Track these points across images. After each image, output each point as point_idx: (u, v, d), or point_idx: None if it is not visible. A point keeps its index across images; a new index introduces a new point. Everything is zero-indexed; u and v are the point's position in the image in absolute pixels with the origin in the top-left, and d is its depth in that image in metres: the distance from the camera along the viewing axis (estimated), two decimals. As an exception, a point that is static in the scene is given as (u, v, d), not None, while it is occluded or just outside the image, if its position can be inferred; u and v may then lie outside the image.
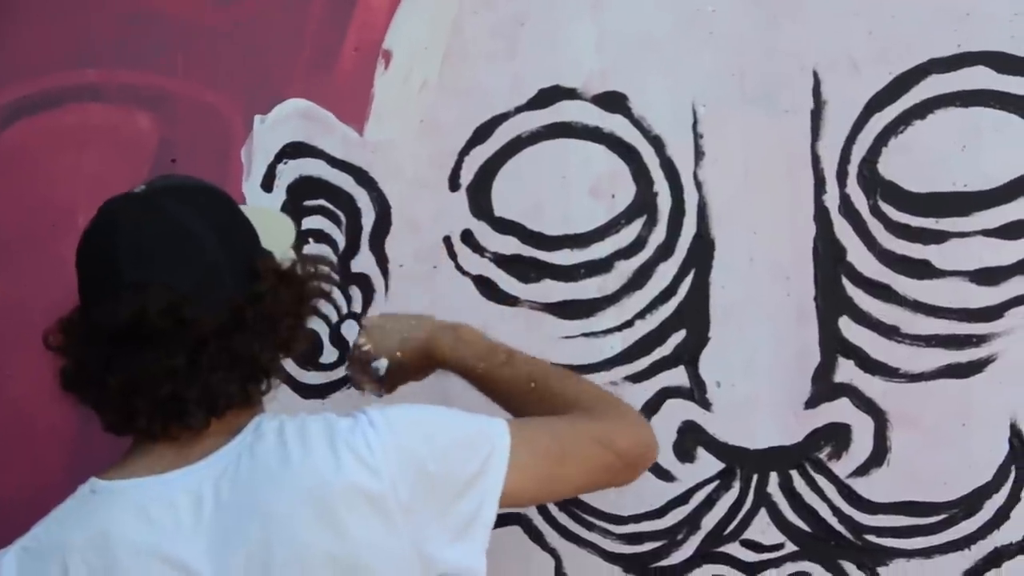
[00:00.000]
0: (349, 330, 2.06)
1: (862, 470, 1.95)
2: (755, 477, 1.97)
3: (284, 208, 2.08)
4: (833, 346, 1.94)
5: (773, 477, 1.96)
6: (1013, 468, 1.91)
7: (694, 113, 1.99)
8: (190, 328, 1.44)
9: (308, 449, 1.44)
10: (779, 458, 1.96)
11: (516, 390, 1.71)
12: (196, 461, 1.47)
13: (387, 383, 1.80)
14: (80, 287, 1.52)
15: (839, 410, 1.95)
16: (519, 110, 2.03)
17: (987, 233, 1.91)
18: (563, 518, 2.02)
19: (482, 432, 1.53)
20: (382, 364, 1.77)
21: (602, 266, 2.00)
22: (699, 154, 1.98)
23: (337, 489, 1.41)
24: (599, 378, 1.99)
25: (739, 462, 1.97)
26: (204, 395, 1.46)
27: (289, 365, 2.03)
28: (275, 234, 1.64)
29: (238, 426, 1.50)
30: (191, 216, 1.49)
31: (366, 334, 1.79)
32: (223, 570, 1.40)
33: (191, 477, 1.46)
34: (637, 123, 2.00)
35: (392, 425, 1.47)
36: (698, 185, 1.98)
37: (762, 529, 1.97)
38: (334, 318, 2.07)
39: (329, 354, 2.07)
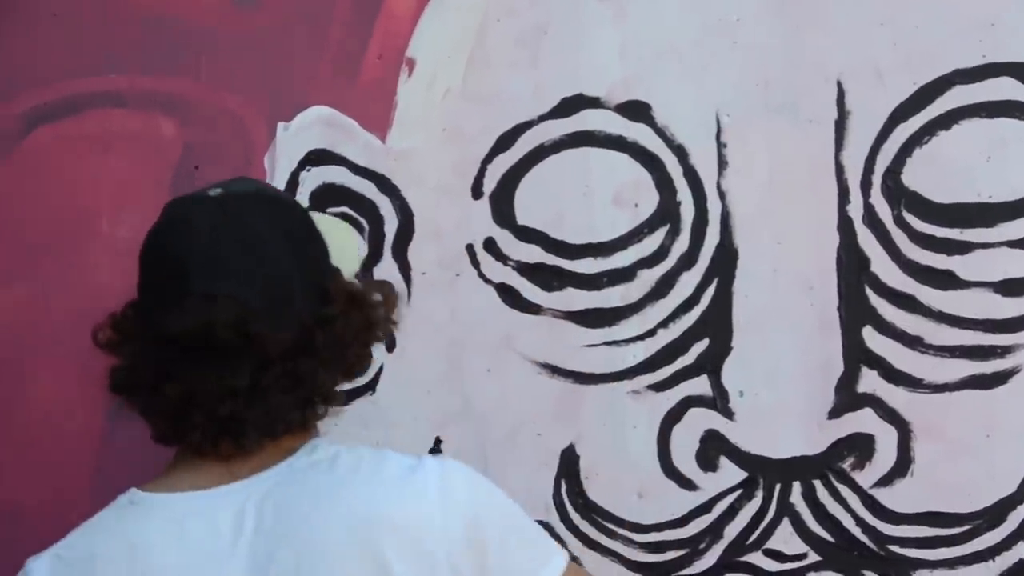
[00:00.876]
0: (371, 338, 2.06)
1: (885, 480, 1.94)
2: (778, 487, 1.96)
3: (307, 215, 2.07)
4: (857, 356, 1.94)
5: (796, 487, 1.96)
6: (1037, 480, 1.91)
7: (718, 122, 1.99)
8: (257, 346, 1.39)
9: (361, 481, 1.39)
10: (802, 468, 1.96)
11: None
12: (243, 479, 1.42)
13: None
14: (142, 286, 1.47)
15: (862, 420, 1.94)
16: (542, 118, 2.03)
17: (1012, 244, 1.91)
18: (585, 526, 2.02)
19: (546, 543, 1.49)
20: None
21: (625, 275, 2.00)
22: (723, 163, 1.98)
23: (387, 527, 1.36)
24: (621, 387, 2.00)
25: (762, 472, 1.97)
26: (263, 417, 1.41)
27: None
28: (343, 249, 1.60)
29: (291, 448, 1.45)
30: (267, 227, 1.45)
31: None
32: None
33: (235, 496, 1.41)
34: (660, 132, 2.00)
35: (459, 486, 1.41)
36: (721, 195, 1.98)
37: (785, 539, 1.97)
38: (357, 325, 2.06)
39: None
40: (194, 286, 1.39)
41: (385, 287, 1.61)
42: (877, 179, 1.94)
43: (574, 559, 1.52)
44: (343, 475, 1.40)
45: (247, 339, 1.38)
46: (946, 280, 1.92)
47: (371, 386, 2.04)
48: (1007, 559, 1.92)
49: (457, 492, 1.40)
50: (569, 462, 2.02)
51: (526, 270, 2.03)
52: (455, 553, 1.37)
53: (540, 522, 1.95)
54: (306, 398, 1.45)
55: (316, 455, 1.44)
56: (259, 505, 1.39)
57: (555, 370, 2.02)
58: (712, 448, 1.99)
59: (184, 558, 1.38)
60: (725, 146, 1.98)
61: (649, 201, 2.00)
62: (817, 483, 1.95)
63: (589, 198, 2.02)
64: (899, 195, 1.94)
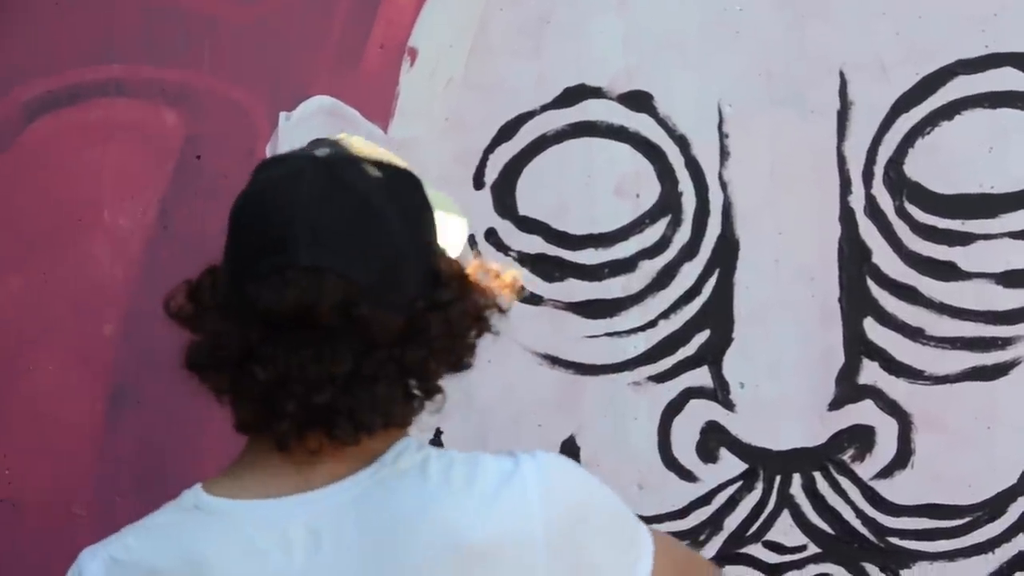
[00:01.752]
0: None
1: (886, 472, 1.94)
2: (778, 478, 1.96)
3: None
4: (857, 348, 1.94)
5: (796, 479, 1.96)
6: (1038, 472, 1.91)
7: (720, 113, 1.98)
8: (362, 329, 1.22)
9: (452, 491, 1.23)
10: (802, 459, 1.96)
11: None
12: (320, 487, 1.25)
13: None
14: (232, 254, 1.28)
15: (863, 412, 1.94)
16: (544, 108, 2.03)
17: (1013, 235, 1.91)
18: (585, 517, 2.02)
19: (637, 533, 1.34)
20: None
21: (626, 265, 2.00)
22: (724, 154, 1.98)
23: (479, 546, 1.21)
24: (622, 378, 2.00)
25: (762, 463, 1.97)
26: (362, 409, 1.23)
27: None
28: (450, 229, 1.40)
29: (375, 451, 1.26)
30: (381, 197, 1.27)
31: None
32: None
33: (312, 507, 1.24)
34: (662, 122, 2.00)
35: (559, 490, 1.26)
36: (723, 185, 1.98)
37: (785, 531, 1.97)
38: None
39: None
40: (298, 257, 1.22)
41: (497, 270, 1.38)
42: (879, 170, 1.94)
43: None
44: (433, 489, 1.24)
45: (355, 322, 1.21)
46: (947, 271, 1.92)
47: (372, 377, 2.04)
48: (1007, 551, 1.92)
49: (558, 494, 1.25)
50: (570, 453, 2.02)
51: (527, 261, 2.03)
52: (553, 561, 1.23)
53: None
54: (409, 390, 1.28)
55: (402, 462, 1.26)
56: (338, 521, 1.24)
57: (556, 361, 2.02)
58: (712, 440, 1.99)
59: None
60: (727, 136, 1.98)
61: (651, 191, 2.00)
62: (817, 475, 1.96)
63: (591, 188, 2.02)
64: (901, 186, 1.93)
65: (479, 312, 1.33)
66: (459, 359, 1.33)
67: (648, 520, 1.95)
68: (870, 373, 1.94)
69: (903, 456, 1.94)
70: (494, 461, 1.26)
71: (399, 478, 1.25)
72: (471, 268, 1.35)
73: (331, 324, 1.21)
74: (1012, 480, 1.92)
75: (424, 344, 1.26)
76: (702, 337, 1.99)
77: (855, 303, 1.94)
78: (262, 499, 1.25)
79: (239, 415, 1.27)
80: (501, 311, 1.37)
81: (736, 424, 1.98)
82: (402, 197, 1.30)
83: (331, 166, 1.27)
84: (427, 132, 2.06)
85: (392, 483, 1.24)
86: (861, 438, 1.95)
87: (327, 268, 1.21)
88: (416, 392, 1.28)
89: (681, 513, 2.00)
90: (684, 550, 1.56)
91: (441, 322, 1.27)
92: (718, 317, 1.98)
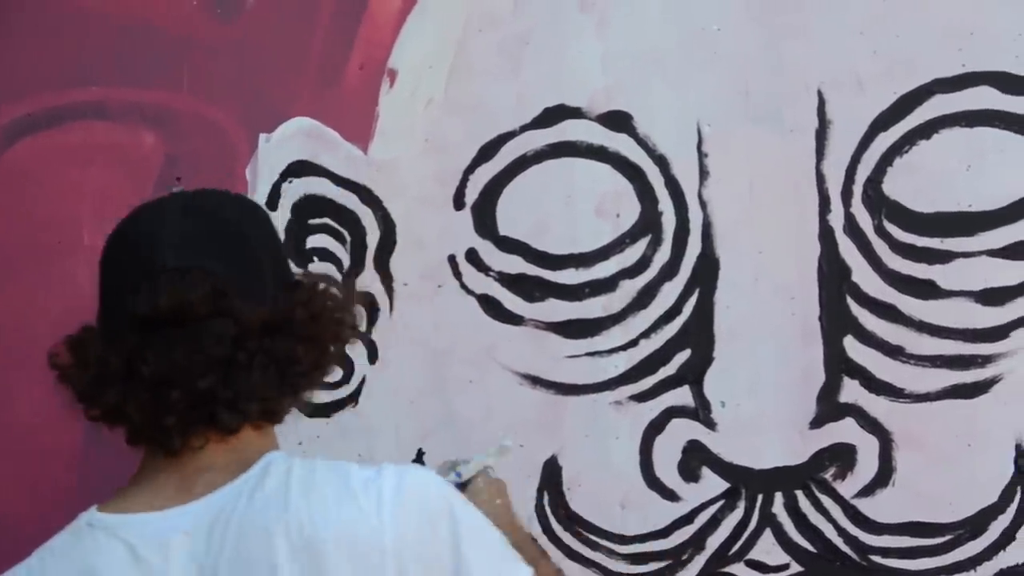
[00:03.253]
0: (354, 349, 2.05)
1: (867, 490, 1.94)
2: (760, 497, 1.96)
3: (289, 226, 2.08)
4: (838, 366, 1.94)
5: (778, 497, 1.96)
6: (1019, 489, 1.91)
7: (699, 132, 1.99)
8: (233, 319, 1.36)
9: (310, 498, 1.34)
10: (784, 478, 1.96)
11: None
12: (198, 498, 1.37)
13: None
14: (109, 282, 1.42)
15: (844, 430, 1.94)
16: (524, 129, 2.04)
17: (992, 253, 1.91)
18: (567, 537, 2.02)
19: (507, 556, 1.41)
20: (466, 470, 1.64)
21: (607, 285, 2.00)
22: (704, 173, 1.98)
23: (330, 543, 1.31)
24: (603, 397, 2.00)
25: (744, 482, 1.97)
26: (240, 395, 1.36)
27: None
28: None
29: (248, 461, 1.39)
30: (234, 212, 1.46)
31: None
32: None
33: (187, 517, 1.37)
34: (642, 142, 2.00)
35: (414, 498, 1.35)
36: (703, 204, 1.98)
37: (767, 549, 1.97)
38: (338, 337, 2.06)
39: (334, 373, 2.05)
40: (166, 262, 1.36)
41: (351, 287, 1.63)
42: (858, 188, 1.95)
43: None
44: (292, 493, 1.35)
45: (223, 312, 1.35)
46: (927, 289, 1.92)
47: (354, 397, 2.05)
48: (989, 569, 1.91)
49: (411, 504, 1.34)
50: (552, 473, 2.02)
51: (508, 281, 2.03)
52: (404, 562, 1.31)
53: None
54: (281, 379, 1.40)
55: (270, 471, 1.38)
56: (210, 530, 1.35)
57: (537, 381, 2.02)
58: (694, 459, 1.99)
59: None
60: (706, 156, 1.99)
61: (631, 211, 2.01)
62: (799, 493, 1.96)
63: (571, 208, 2.02)
64: (880, 204, 1.94)
65: (336, 311, 1.47)
66: (324, 351, 1.45)
67: (631, 540, 1.98)
68: (851, 391, 1.94)
69: (884, 474, 1.94)
70: (357, 468, 1.37)
71: (263, 487, 1.35)
72: (322, 279, 1.50)
73: (204, 316, 1.34)
74: (993, 498, 1.92)
75: (290, 334, 1.39)
76: (683, 356, 1.99)
77: (835, 321, 1.94)
78: (147, 512, 1.37)
79: (131, 423, 1.38)
80: (353, 315, 1.51)
81: (718, 443, 1.98)
82: (254, 216, 1.48)
83: (185, 196, 1.49)
84: (407, 152, 2.06)
85: (257, 492, 1.35)
86: (842, 456, 1.95)
87: (194, 267, 1.36)
88: (290, 381, 1.40)
89: (663, 532, 2.00)
90: None
91: (303, 314, 1.41)
92: (699, 336, 1.98)
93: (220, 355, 1.35)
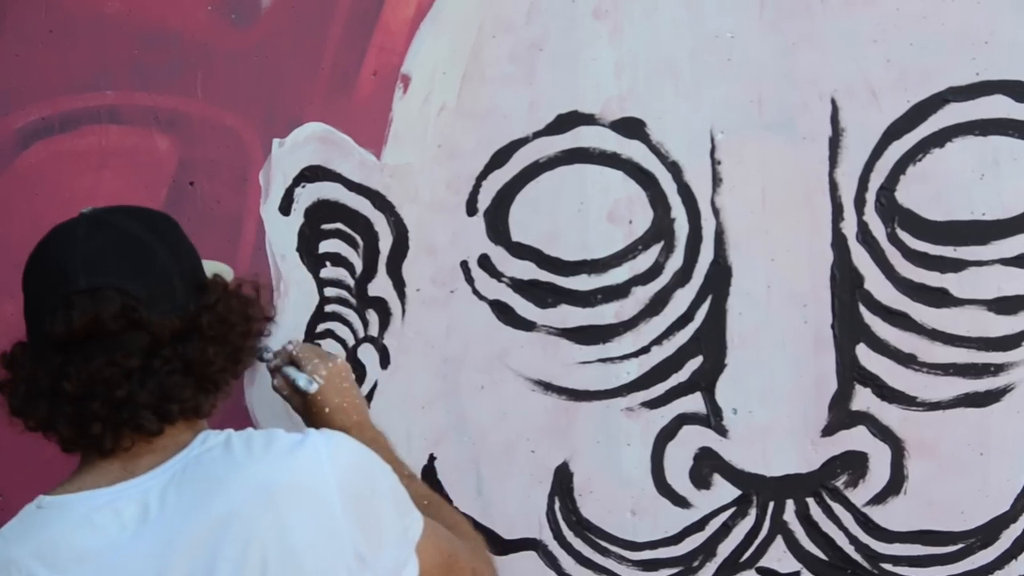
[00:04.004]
0: (366, 353, 2.06)
1: (879, 498, 1.94)
2: (771, 505, 1.96)
3: (301, 231, 2.08)
4: (850, 374, 1.94)
5: (789, 505, 1.96)
6: (1031, 498, 1.91)
7: (712, 139, 1.99)
8: (145, 331, 1.48)
9: (253, 454, 1.47)
10: (796, 486, 1.96)
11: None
12: (143, 473, 1.50)
13: (297, 403, 1.84)
14: (30, 305, 1.55)
15: (856, 438, 1.94)
16: (537, 135, 2.03)
17: (1005, 262, 1.91)
18: (578, 543, 2.02)
19: (409, 508, 1.59)
20: (311, 388, 1.81)
21: (619, 292, 2.00)
22: (717, 180, 1.98)
23: (284, 490, 1.44)
24: (615, 403, 2.00)
25: (755, 489, 1.97)
26: (159, 399, 1.49)
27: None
28: (216, 268, 1.71)
29: (184, 441, 1.53)
30: (141, 228, 1.56)
31: (327, 369, 1.83)
32: (166, 570, 1.43)
33: (137, 488, 1.48)
34: (655, 149, 2.00)
35: (343, 452, 1.51)
36: (715, 211, 1.98)
37: (778, 557, 1.97)
38: (351, 341, 2.07)
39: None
40: (78, 283, 1.48)
41: (255, 280, 1.70)
42: (871, 196, 1.94)
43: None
44: (237, 454, 1.48)
45: (135, 326, 1.47)
46: (940, 298, 1.92)
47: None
48: (1000, 578, 1.92)
49: (343, 457, 1.49)
50: (563, 479, 2.02)
51: (520, 287, 2.03)
52: (346, 508, 1.46)
53: (531, 539, 1.98)
54: (197, 380, 1.53)
55: (208, 442, 1.52)
56: (162, 493, 1.47)
57: (549, 387, 2.02)
58: (706, 466, 1.98)
59: (97, 544, 1.44)
60: (719, 163, 1.99)
61: (643, 218, 2.01)
62: (811, 501, 1.95)
63: (583, 215, 2.02)
64: (893, 212, 1.94)
65: (244, 309, 1.62)
66: (236, 350, 1.59)
67: (642, 546, 1.99)
68: (863, 399, 1.94)
69: (896, 482, 1.94)
70: (286, 434, 1.51)
71: (207, 453, 1.50)
72: (233, 281, 1.65)
73: (118, 332, 1.46)
74: (1005, 507, 1.92)
75: (200, 338, 1.52)
76: (695, 363, 1.99)
77: (847, 329, 1.94)
78: (94, 489, 1.49)
79: (61, 435, 1.51)
80: (264, 312, 1.69)
81: (729, 450, 1.97)
82: (161, 229, 1.59)
83: (95, 216, 1.57)
84: (420, 159, 2.07)
85: (203, 458, 1.50)
86: (854, 464, 1.95)
87: (104, 286, 1.47)
88: (205, 381, 1.54)
89: (674, 539, 1.99)
90: (450, 538, 1.69)
91: (212, 318, 1.54)
92: (711, 343, 1.98)
93: (135, 365, 1.47)
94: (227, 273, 1.77)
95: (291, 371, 1.83)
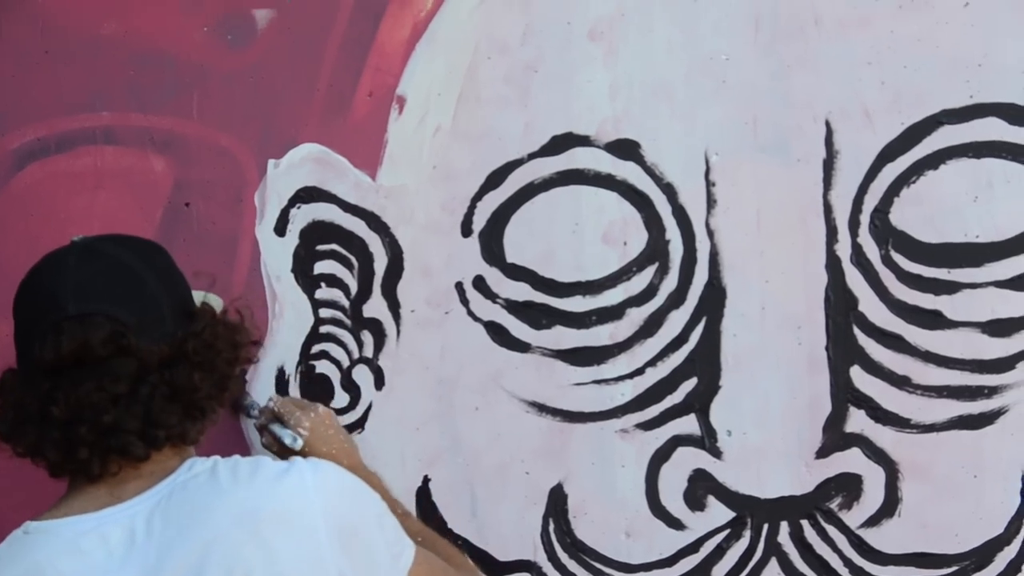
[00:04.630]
0: (360, 374, 2.06)
1: (873, 521, 1.94)
2: (766, 527, 1.96)
3: (296, 252, 2.08)
4: (844, 396, 1.94)
5: (784, 527, 1.96)
6: (1025, 520, 1.91)
7: (706, 161, 1.99)
8: (133, 357, 1.50)
9: (239, 481, 1.49)
10: (790, 508, 1.96)
11: None
12: (129, 499, 1.51)
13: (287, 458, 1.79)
14: (20, 332, 1.56)
15: (850, 460, 1.94)
16: (532, 156, 2.04)
17: (999, 284, 1.91)
18: (573, 565, 2.02)
19: (400, 536, 1.60)
20: (296, 445, 1.81)
21: (614, 313, 2.00)
22: (711, 202, 1.99)
23: (270, 517, 1.45)
24: (610, 425, 2.00)
25: (750, 511, 1.97)
26: (145, 425, 1.50)
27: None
28: (206, 298, 1.73)
29: (171, 467, 1.54)
30: (131, 257, 1.58)
31: (310, 420, 1.84)
32: None
33: (124, 513, 1.50)
34: (650, 170, 2.00)
35: (331, 480, 1.53)
36: (710, 233, 1.98)
37: (773, 579, 1.97)
38: (345, 363, 2.07)
39: (340, 398, 2.06)
40: (68, 310, 1.50)
41: (244, 313, 1.72)
42: (865, 218, 1.95)
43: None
44: (223, 481, 1.50)
45: (124, 351, 1.49)
46: (933, 320, 1.92)
47: (360, 423, 2.05)
48: (995, 600, 1.92)
49: (330, 484, 1.51)
50: (557, 500, 2.02)
51: (515, 308, 2.03)
52: (331, 535, 1.47)
53: (525, 561, 1.98)
54: (184, 407, 1.55)
55: (195, 469, 1.53)
56: (148, 519, 1.49)
57: (544, 408, 2.02)
58: (700, 487, 1.99)
59: (81, 570, 1.45)
60: (714, 184, 1.99)
61: (638, 239, 2.01)
62: (805, 523, 1.96)
63: (578, 236, 2.02)
64: (887, 235, 1.94)
65: (231, 335, 1.64)
66: (223, 377, 1.61)
67: (636, 568, 1.99)
68: (857, 421, 1.94)
69: (890, 504, 1.94)
70: (273, 461, 1.52)
71: (194, 480, 1.51)
72: (220, 309, 1.68)
73: (106, 357, 1.48)
74: (999, 529, 1.92)
75: (187, 365, 1.54)
76: (689, 385, 1.99)
77: (842, 351, 1.94)
78: (81, 515, 1.50)
79: (49, 460, 1.52)
80: (251, 337, 1.70)
81: (724, 472, 1.98)
82: (151, 258, 1.61)
83: (86, 245, 1.59)
84: (415, 180, 2.07)
85: (189, 484, 1.51)
86: (848, 486, 1.95)
87: (93, 312, 1.49)
88: (192, 407, 1.55)
89: (669, 561, 1.99)
90: (444, 567, 1.71)
91: (198, 345, 1.56)
92: (705, 365, 1.98)
93: (122, 391, 1.49)
94: (217, 303, 1.78)
95: (276, 428, 1.83)
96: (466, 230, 2.05)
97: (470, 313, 2.04)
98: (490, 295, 2.04)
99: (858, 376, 1.94)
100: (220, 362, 1.61)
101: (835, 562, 1.95)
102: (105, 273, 1.55)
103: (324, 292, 2.08)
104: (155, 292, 1.57)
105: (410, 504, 2.01)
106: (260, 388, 2.04)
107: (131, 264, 1.57)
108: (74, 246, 1.60)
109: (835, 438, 1.94)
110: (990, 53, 1.93)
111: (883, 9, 1.95)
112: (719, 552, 1.98)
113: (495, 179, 2.04)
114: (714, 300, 1.98)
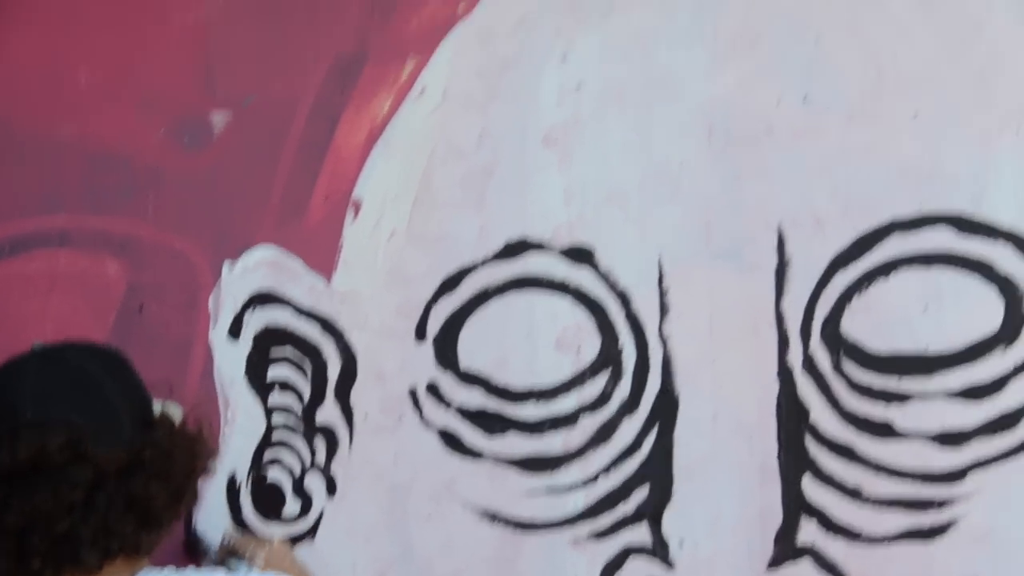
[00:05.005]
0: (312, 481, 2.05)
1: (825, 634, 1.94)
2: (718, 638, 1.96)
3: (250, 358, 2.08)
4: (796, 506, 1.94)
5: (736, 639, 1.95)
6: (975, 635, 1.91)
7: (660, 268, 2.00)
8: (89, 464, 1.50)
9: None
10: (742, 619, 1.95)
11: None
12: None
13: None
14: None
15: (802, 571, 1.94)
16: (486, 261, 2.04)
17: (949, 395, 1.92)
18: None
19: None
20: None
21: (567, 420, 2.00)
22: (664, 309, 1.99)
23: None
24: (562, 535, 1.99)
25: (702, 622, 1.96)
26: (99, 535, 1.50)
27: (251, 519, 2.02)
28: (167, 406, 1.74)
29: None
30: (92, 364, 1.60)
31: (265, 552, 1.88)
32: None
33: None
34: (604, 276, 2.01)
35: None
36: (663, 340, 1.99)
37: None
38: (298, 470, 2.06)
39: (292, 506, 2.05)
40: (26, 417, 1.51)
41: (203, 424, 1.73)
42: (816, 327, 1.95)
43: None
44: None
45: (80, 459, 1.49)
46: (884, 430, 1.93)
47: (311, 532, 2.04)
48: None
49: None
50: (509, 611, 2.01)
51: (468, 415, 2.03)
52: None
53: None
54: (140, 517, 1.54)
55: None
56: None
57: (496, 517, 2.01)
58: (652, 598, 1.98)
59: None
60: (667, 291, 2.00)
61: (591, 345, 2.01)
62: (756, 636, 1.95)
63: (532, 342, 2.02)
64: (837, 343, 1.95)
65: (189, 446, 1.64)
66: (179, 488, 1.61)
67: None
68: (808, 532, 1.94)
69: (842, 617, 1.94)
70: (227, 573, 1.58)
71: None
72: (179, 420, 1.68)
73: (62, 464, 1.48)
74: (950, 642, 1.92)
75: (144, 474, 1.54)
76: (642, 493, 1.98)
77: (793, 461, 1.94)
78: None
79: (0, 570, 1.51)
80: (209, 448, 1.70)
81: (676, 582, 1.97)
82: (112, 365, 1.62)
83: (45, 351, 1.60)
84: (370, 284, 2.07)
85: None
86: (800, 598, 1.95)
87: (51, 418, 1.50)
88: (148, 518, 1.55)
89: (621, 673, 1.99)
90: None
91: (156, 454, 1.56)
92: (657, 473, 1.98)
93: (77, 499, 1.49)
94: (176, 412, 1.77)
95: (232, 563, 1.85)
96: (420, 335, 2.05)
97: (423, 420, 2.04)
98: (443, 401, 2.03)
99: (810, 486, 1.94)
100: (177, 472, 1.61)
101: (787, 676, 1.94)
102: (64, 380, 1.56)
103: (277, 397, 2.07)
104: (114, 400, 1.58)
105: (362, 612, 2.01)
106: (211, 495, 2.03)
107: (91, 371, 1.58)
108: (34, 352, 1.61)
109: (786, 549, 1.94)
110: (939, 163, 1.94)
111: (834, 119, 1.96)
112: (671, 665, 1.97)
113: (449, 284, 2.05)
114: (667, 408, 1.98)
